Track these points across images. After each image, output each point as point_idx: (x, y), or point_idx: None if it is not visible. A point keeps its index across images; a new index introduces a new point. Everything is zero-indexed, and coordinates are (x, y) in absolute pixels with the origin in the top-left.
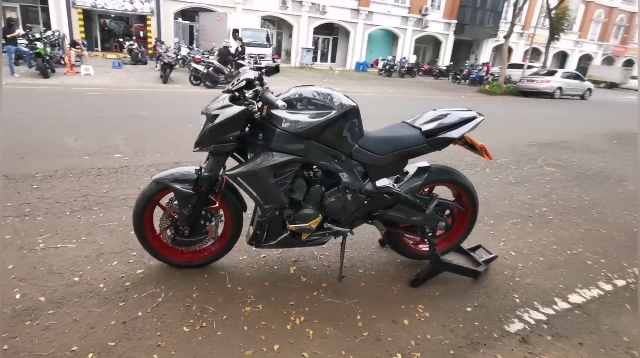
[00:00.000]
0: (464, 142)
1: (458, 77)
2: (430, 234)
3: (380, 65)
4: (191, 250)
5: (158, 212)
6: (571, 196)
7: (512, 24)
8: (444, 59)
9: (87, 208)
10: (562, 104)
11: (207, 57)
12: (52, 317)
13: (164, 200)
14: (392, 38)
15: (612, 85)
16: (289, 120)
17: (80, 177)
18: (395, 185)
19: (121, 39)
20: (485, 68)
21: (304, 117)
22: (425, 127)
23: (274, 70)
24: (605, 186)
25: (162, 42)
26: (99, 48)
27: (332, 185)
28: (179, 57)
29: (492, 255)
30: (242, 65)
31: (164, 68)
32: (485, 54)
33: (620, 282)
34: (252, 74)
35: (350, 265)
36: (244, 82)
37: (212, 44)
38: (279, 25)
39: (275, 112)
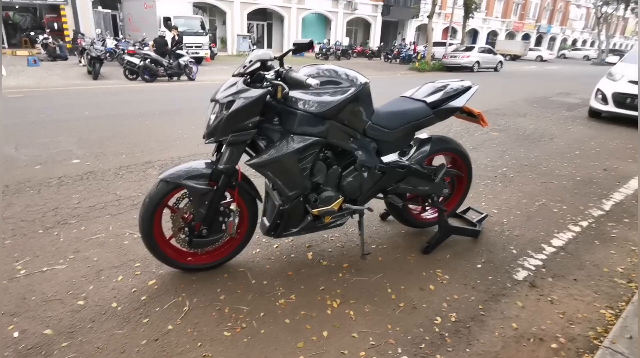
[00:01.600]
0: (462, 111)
1: (389, 56)
2: (436, 201)
3: (317, 49)
4: (206, 251)
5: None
6: (520, 155)
7: (434, 4)
8: (375, 40)
9: (63, 223)
10: (481, 76)
11: (141, 49)
12: (69, 350)
13: (171, 201)
14: (324, 22)
15: (515, 57)
16: (311, 101)
17: (40, 190)
18: (403, 158)
19: (32, 33)
20: (413, 47)
21: (324, 97)
22: (429, 99)
23: (306, 46)
24: (542, 144)
25: (83, 35)
26: (6, 45)
27: (348, 164)
28: (106, 50)
29: (483, 215)
30: (181, 55)
31: (93, 63)
32: (410, 33)
33: (584, 223)
34: (267, 54)
35: (353, 243)
36: (258, 64)
37: (142, 34)
38: (211, 12)
39: (293, 93)
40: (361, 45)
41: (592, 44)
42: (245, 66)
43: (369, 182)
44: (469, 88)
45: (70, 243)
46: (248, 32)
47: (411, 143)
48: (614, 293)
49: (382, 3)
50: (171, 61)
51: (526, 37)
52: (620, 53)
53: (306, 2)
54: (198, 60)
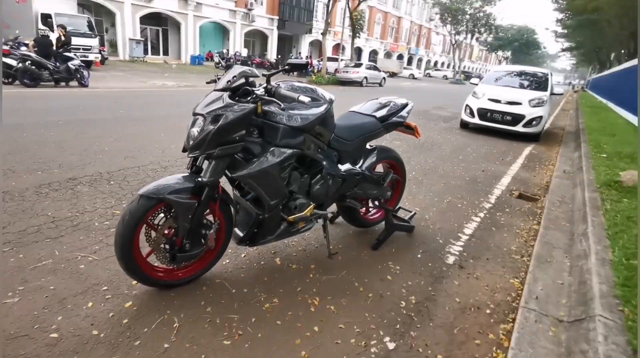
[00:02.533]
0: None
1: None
2: (382, 202)
3: (216, 59)
4: (185, 265)
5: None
6: (421, 161)
7: (327, 22)
8: (272, 52)
9: None
10: (369, 90)
11: (15, 49)
12: None
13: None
14: (222, 31)
15: (392, 74)
16: (291, 115)
17: None
18: (356, 167)
19: None
20: (309, 61)
21: (302, 111)
22: (378, 114)
23: (302, 66)
24: (434, 151)
25: None
26: None
27: (315, 173)
28: None
29: (413, 212)
30: (70, 58)
31: None
32: (304, 48)
33: (481, 214)
34: (252, 71)
35: (320, 245)
36: (242, 79)
37: (14, 31)
38: (97, 12)
39: (270, 108)
40: (260, 57)
41: (448, 66)
42: (229, 81)
43: (333, 189)
44: (406, 105)
45: (12, 273)
46: (141, 36)
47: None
48: (515, 266)
49: (277, 17)
50: (58, 64)
51: (400, 57)
52: (468, 74)
53: (204, 10)
54: (87, 65)
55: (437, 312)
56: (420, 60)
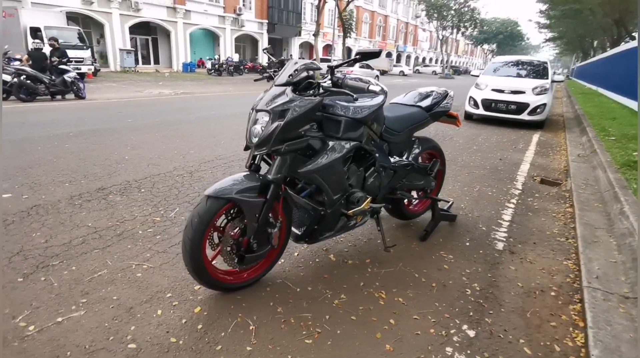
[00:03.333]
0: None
1: (278, 72)
2: (428, 193)
3: (209, 65)
4: (249, 267)
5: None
6: None
7: (318, 24)
8: (263, 56)
9: (43, 266)
10: None
11: (8, 64)
12: None
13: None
14: (212, 37)
15: (383, 72)
16: (351, 108)
17: None
18: (404, 158)
19: None
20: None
21: (362, 103)
22: (423, 104)
23: (375, 54)
24: (448, 142)
25: None
26: None
27: (368, 166)
28: None
29: (451, 202)
30: (66, 71)
31: None
32: (295, 50)
33: (513, 200)
34: (314, 64)
35: (368, 239)
36: (305, 73)
37: (3, 46)
38: (85, 24)
39: (331, 101)
40: (251, 61)
41: (436, 61)
42: (291, 75)
43: (385, 181)
44: (447, 94)
45: (70, 286)
46: (131, 46)
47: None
48: (563, 248)
49: (267, 21)
50: (53, 77)
51: (389, 54)
52: (456, 68)
53: (193, 17)
54: (80, 77)
55: (503, 297)
56: (408, 57)
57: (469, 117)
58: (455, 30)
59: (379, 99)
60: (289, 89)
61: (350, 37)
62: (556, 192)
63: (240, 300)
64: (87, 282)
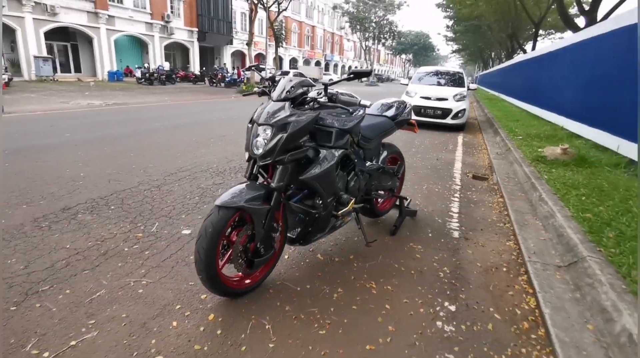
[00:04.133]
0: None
1: (214, 81)
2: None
3: (138, 74)
4: (253, 272)
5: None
6: None
7: (251, 33)
8: (195, 65)
9: (34, 292)
10: None
11: None
12: None
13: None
14: (140, 45)
15: (315, 80)
16: (340, 120)
17: None
18: (373, 162)
19: None
20: (236, 72)
21: (349, 116)
22: (388, 114)
23: (366, 74)
24: None
25: None
26: None
27: (349, 171)
28: None
29: (409, 199)
30: None
31: None
32: (227, 58)
33: (457, 194)
34: (308, 81)
35: (346, 237)
36: (302, 89)
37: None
38: None
39: (322, 114)
40: (183, 70)
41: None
42: (288, 91)
43: (362, 183)
44: (406, 104)
45: (71, 310)
46: (48, 53)
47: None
48: (503, 232)
49: (197, 29)
50: None
51: (318, 63)
52: (379, 76)
53: (117, 23)
54: None
55: (469, 276)
56: (336, 65)
57: None
58: (376, 41)
59: (362, 112)
60: (287, 104)
61: (282, 46)
62: (487, 185)
63: (248, 304)
64: (87, 304)
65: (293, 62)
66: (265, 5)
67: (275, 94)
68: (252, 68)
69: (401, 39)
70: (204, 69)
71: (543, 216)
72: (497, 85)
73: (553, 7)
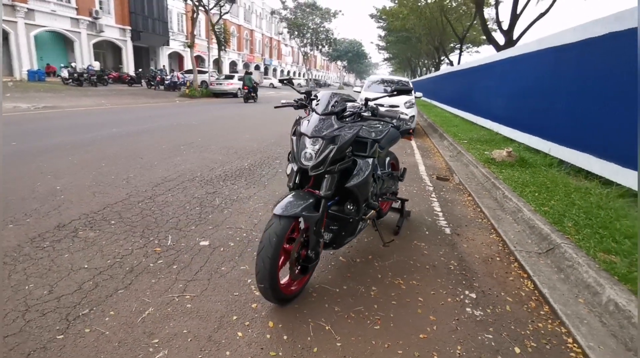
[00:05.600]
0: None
1: (152, 83)
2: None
3: (65, 74)
4: (303, 277)
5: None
6: None
7: (193, 35)
8: (129, 66)
9: (74, 318)
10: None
11: None
12: None
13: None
14: (64, 42)
15: (256, 84)
16: (374, 131)
17: None
18: (382, 169)
19: None
20: (177, 74)
21: (380, 127)
22: (394, 123)
23: (408, 91)
24: None
25: None
26: None
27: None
28: None
29: (405, 199)
30: None
31: None
32: (163, 60)
33: (434, 195)
34: (349, 97)
35: (357, 239)
36: (345, 104)
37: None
38: None
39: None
40: (116, 70)
41: (299, 74)
42: (332, 106)
43: (378, 188)
44: (408, 116)
45: (126, 331)
46: None
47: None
48: (484, 226)
49: (130, 28)
50: None
51: (257, 67)
52: (317, 81)
53: (37, 18)
54: None
55: (474, 267)
56: (274, 70)
57: None
58: (314, 47)
59: (389, 125)
60: (334, 118)
61: (224, 49)
62: (453, 186)
63: (299, 308)
64: (141, 323)
65: (233, 65)
66: (206, 7)
67: (320, 108)
68: (284, 82)
69: (336, 46)
70: (140, 70)
71: (511, 211)
72: (429, 92)
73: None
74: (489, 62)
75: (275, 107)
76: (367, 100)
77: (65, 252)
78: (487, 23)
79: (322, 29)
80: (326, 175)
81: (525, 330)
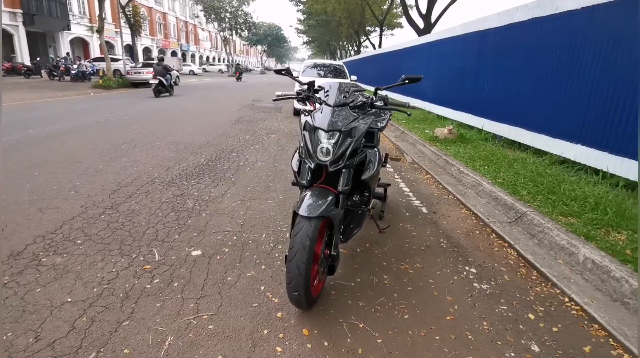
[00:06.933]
0: None
1: (55, 74)
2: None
3: None
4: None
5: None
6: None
7: (101, 18)
8: (22, 54)
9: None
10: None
11: None
12: None
13: None
14: None
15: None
16: (379, 121)
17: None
18: None
19: None
20: (84, 62)
21: (379, 116)
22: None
23: (418, 79)
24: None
25: None
26: None
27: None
28: None
29: (388, 184)
30: None
31: None
32: (64, 47)
33: (396, 175)
34: (357, 85)
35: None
36: (355, 95)
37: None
38: None
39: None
40: (8, 60)
41: (219, 60)
42: (345, 96)
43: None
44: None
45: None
46: None
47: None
48: (452, 202)
49: (21, 11)
50: None
51: (174, 53)
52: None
53: None
54: None
55: (461, 242)
56: (193, 56)
57: (297, 113)
58: (233, 32)
59: (388, 115)
60: (348, 109)
61: (139, 35)
62: (408, 165)
63: (325, 310)
64: (166, 354)
65: (147, 52)
66: None
67: (331, 100)
68: (283, 72)
69: (256, 31)
70: (38, 59)
71: (471, 185)
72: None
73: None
74: (416, 45)
75: (274, 100)
76: (377, 89)
77: (35, 286)
78: (408, 7)
79: (240, 12)
80: (343, 170)
81: (529, 296)
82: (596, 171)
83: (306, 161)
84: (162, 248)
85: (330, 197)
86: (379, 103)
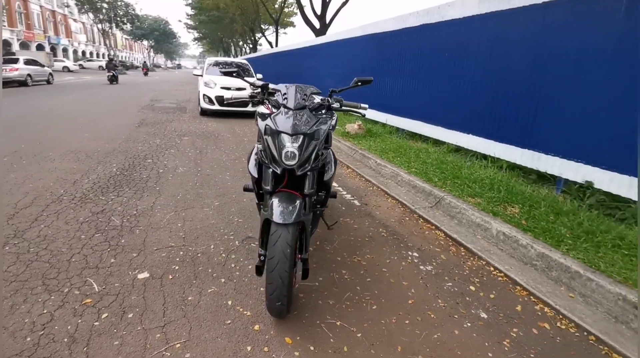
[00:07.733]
0: None
1: None
2: None
3: None
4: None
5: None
6: (220, 147)
7: None
8: None
9: None
10: (45, 90)
11: None
12: None
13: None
14: None
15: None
16: (332, 122)
17: None
18: None
19: None
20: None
21: (329, 117)
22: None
23: (369, 81)
24: (225, 140)
25: None
26: None
27: None
28: None
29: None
30: None
31: None
32: None
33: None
34: (315, 89)
35: None
36: (314, 97)
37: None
38: None
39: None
40: None
41: (98, 55)
42: (303, 99)
43: None
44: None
45: None
46: None
47: None
48: (378, 193)
49: None
50: None
51: (40, 47)
52: (123, 63)
53: None
54: None
55: (398, 229)
56: (65, 50)
57: (204, 112)
58: (113, 25)
59: (334, 114)
60: (308, 112)
61: None
62: None
63: (298, 316)
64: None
65: (6, 45)
66: None
67: (291, 103)
68: (234, 74)
69: (140, 24)
70: None
71: (390, 176)
72: (257, 72)
73: (287, 9)
74: (318, 44)
75: (226, 104)
76: (332, 91)
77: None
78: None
79: (120, 3)
80: (309, 173)
81: (465, 271)
82: (484, 156)
83: (270, 166)
84: (98, 276)
85: (298, 201)
86: (335, 105)
